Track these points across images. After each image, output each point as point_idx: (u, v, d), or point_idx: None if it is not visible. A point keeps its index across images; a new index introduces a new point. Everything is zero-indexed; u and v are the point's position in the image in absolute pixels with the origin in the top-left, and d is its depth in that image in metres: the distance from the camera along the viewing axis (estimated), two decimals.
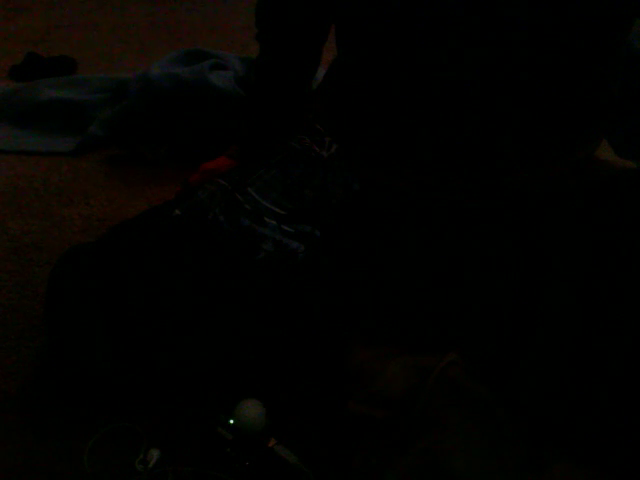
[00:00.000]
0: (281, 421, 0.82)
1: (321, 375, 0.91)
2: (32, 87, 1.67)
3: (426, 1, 0.78)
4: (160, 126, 1.45)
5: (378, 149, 0.92)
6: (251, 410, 0.81)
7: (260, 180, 0.92)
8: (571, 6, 0.76)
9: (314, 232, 0.91)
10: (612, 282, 0.76)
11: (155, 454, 0.80)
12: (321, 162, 0.94)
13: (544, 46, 0.79)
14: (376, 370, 0.83)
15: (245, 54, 1.67)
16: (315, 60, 1.04)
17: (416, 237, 0.91)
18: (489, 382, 0.79)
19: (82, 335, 0.87)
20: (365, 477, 0.76)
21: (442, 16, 0.78)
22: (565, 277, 0.79)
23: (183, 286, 0.86)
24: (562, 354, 0.77)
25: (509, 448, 0.74)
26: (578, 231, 0.81)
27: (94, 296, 0.86)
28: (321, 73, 1.06)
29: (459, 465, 0.73)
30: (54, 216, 1.26)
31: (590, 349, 0.76)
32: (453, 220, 0.89)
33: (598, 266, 0.77)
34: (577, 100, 0.85)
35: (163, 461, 0.80)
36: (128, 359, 0.86)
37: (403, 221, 0.91)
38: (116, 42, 2.04)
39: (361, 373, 0.84)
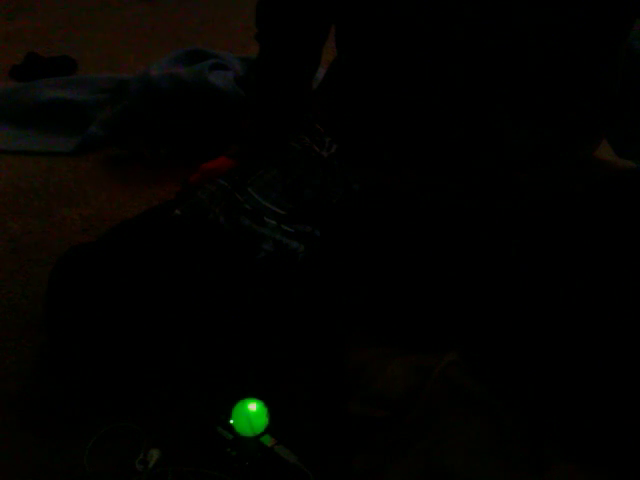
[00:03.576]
0: (281, 421, 0.82)
1: (321, 375, 0.91)
2: (32, 87, 1.66)
3: (425, 4, 0.78)
4: (160, 126, 1.45)
5: (378, 149, 0.92)
6: (251, 410, 0.81)
7: (260, 180, 0.92)
8: (571, 8, 0.76)
9: (314, 232, 0.91)
10: (613, 282, 0.76)
11: (155, 454, 0.80)
12: (321, 162, 0.94)
13: (544, 48, 0.79)
14: (376, 370, 0.83)
15: (245, 54, 1.66)
16: (315, 60, 1.04)
17: (416, 237, 0.91)
18: (489, 382, 0.79)
19: (82, 335, 0.87)
20: (365, 477, 0.76)
21: (441, 19, 0.78)
22: (566, 277, 0.79)
23: (183, 286, 0.86)
24: (562, 354, 0.77)
25: (509, 448, 0.74)
26: (578, 231, 0.81)
27: (94, 296, 0.86)
28: (321, 73, 1.06)
29: (459, 465, 0.73)
30: (54, 216, 1.26)
31: (591, 349, 0.76)
32: (453, 220, 0.89)
33: (599, 266, 0.77)
34: (577, 101, 0.85)
35: (163, 461, 0.80)
36: (128, 359, 0.86)
37: (403, 221, 0.91)
38: (116, 42, 2.03)
39: (361, 373, 0.84)
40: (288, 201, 0.92)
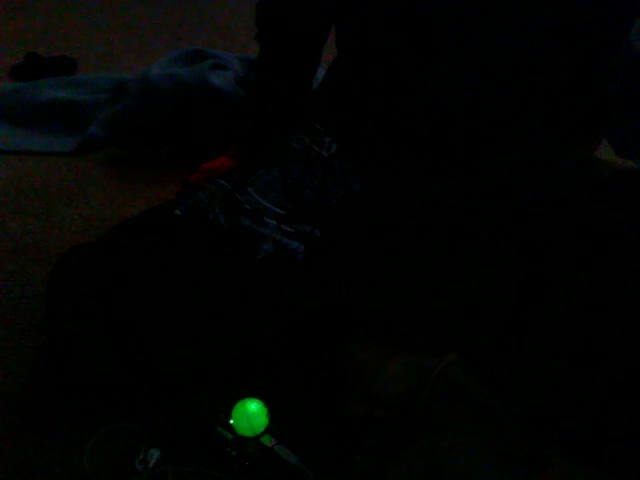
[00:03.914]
0: (281, 421, 0.82)
1: (321, 375, 0.91)
2: (32, 87, 1.66)
3: (423, 6, 0.78)
4: (160, 126, 1.45)
5: (378, 149, 0.92)
6: (251, 410, 0.81)
7: (260, 180, 0.92)
8: (570, 8, 0.76)
9: (314, 232, 0.91)
10: (613, 282, 0.76)
11: (155, 454, 0.80)
12: (321, 162, 0.94)
13: (541, 48, 0.79)
14: (376, 370, 0.83)
15: (245, 54, 1.67)
16: (315, 60, 1.04)
17: (416, 237, 0.91)
18: (489, 382, 0.79)
19: (82, 335, 0.87)
20: (365, 477, 0.76)
21: (437, 20, 0.78)
22: (565, 277, 0.79)
23: (183, 286, 0.86)
24: (562, 354, 0.77)
25: (509, 448, 0.74)
26: (578, 231, 0.81)
27: (94, 296, 0.86)
28: (321, 73, 1.06)
29: (459, 465, 0.73)
30: (54, 216, 1.26)
31: (590, 349, 0.76)
32: (454, 220, 0.89)
33: (599, 266, 0.77)
34: (577, 101, 0.85)
35: (163, 461, 0.80)
36: (128, 359, 0.86)
37: (403, 221, 0.91)
38: (116, 42, 2.03)
39: (361, 373, 0.84)
40: (288, 201, 0.92)
